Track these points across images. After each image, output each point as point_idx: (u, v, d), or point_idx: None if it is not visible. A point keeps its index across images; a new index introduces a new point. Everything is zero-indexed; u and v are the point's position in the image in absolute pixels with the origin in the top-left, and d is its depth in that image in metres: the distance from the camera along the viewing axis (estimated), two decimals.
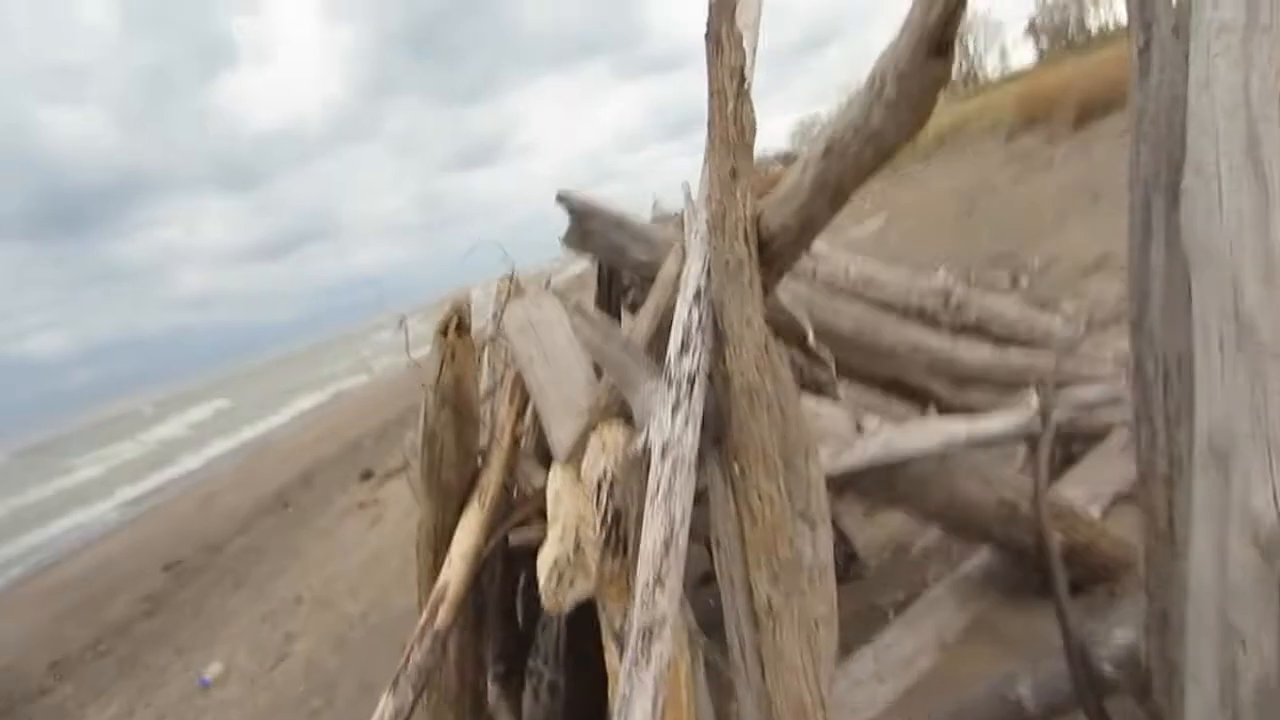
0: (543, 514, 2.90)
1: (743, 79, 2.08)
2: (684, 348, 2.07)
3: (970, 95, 44.09)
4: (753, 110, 2.09)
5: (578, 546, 2.18)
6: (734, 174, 2.05)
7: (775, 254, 2.10)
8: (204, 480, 20.26)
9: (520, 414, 2.95)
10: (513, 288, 3.10)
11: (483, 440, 2.96)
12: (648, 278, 2.90)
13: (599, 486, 2.26)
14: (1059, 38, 58.09)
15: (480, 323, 2.98)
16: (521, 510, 2.87)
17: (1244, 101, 1.39)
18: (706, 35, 2.16)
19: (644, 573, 1.88)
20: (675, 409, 2.02)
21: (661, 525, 1.90)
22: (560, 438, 2.61)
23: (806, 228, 2.05)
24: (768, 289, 2.17)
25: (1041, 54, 60.96)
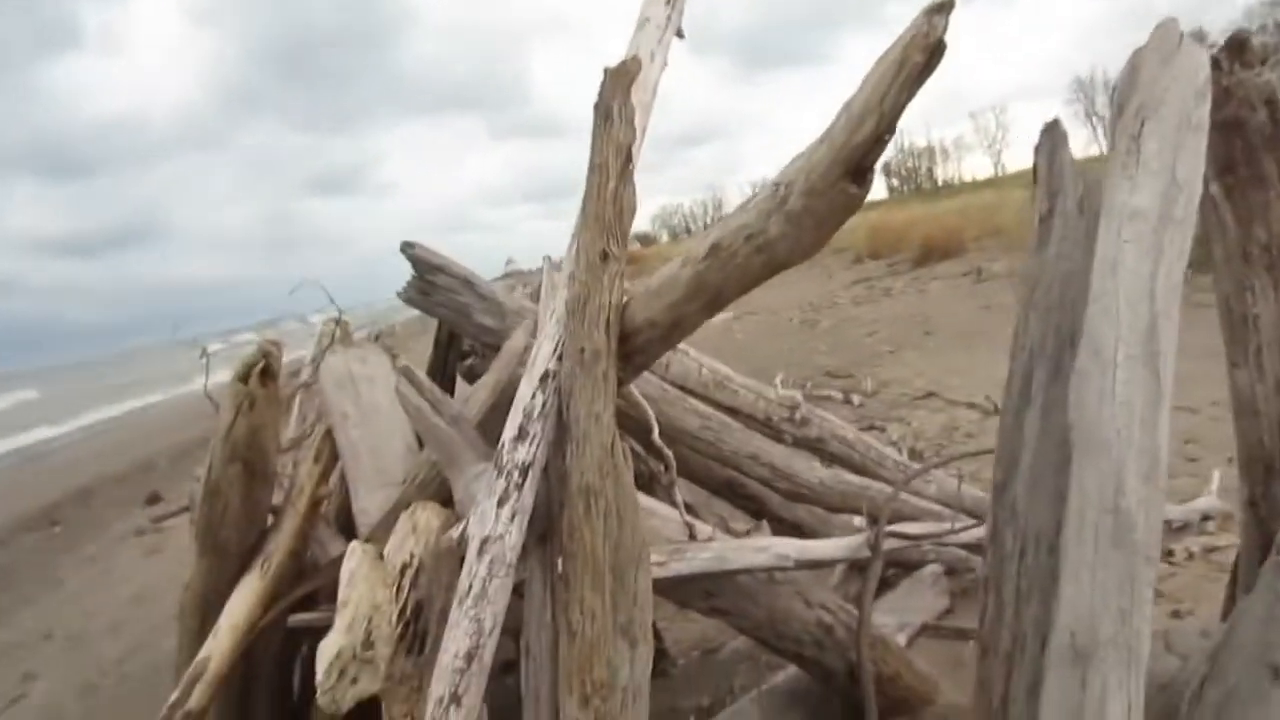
0: (334, 591, 2.59)
1: (629, 158, 1.95)
2: (521, 435, 1.87)
3: None
4: (634, 193, 1.96)
5: (368, 639, 1.90)
6: (604, 257, 1.89)
7: (636, 349, 1.94)
8: None
9: (325, 475, 2.62)
10: (338, 332, 2.80)
11: (277, 498, 2.61)
12: (491, 346, 2.68)
13: (403, 573, 1.99)
14: (909, 180, 63.21)
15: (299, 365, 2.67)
16: (310, 582, 2.53)
17: (1149, 292, 1.36)
18: (597, 106, 2.02)
19: (439, 688, 1.63)
20: (502, 501, 1.81)
21: (467, 635, 1.67)
22: (367, 507, 2.32)
23: (675, 327, 1.90)
24: (621, 383, 2.00)
25: (892, 191, 66.11)
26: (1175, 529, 4.15)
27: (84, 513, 12.35)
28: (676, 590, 2.76)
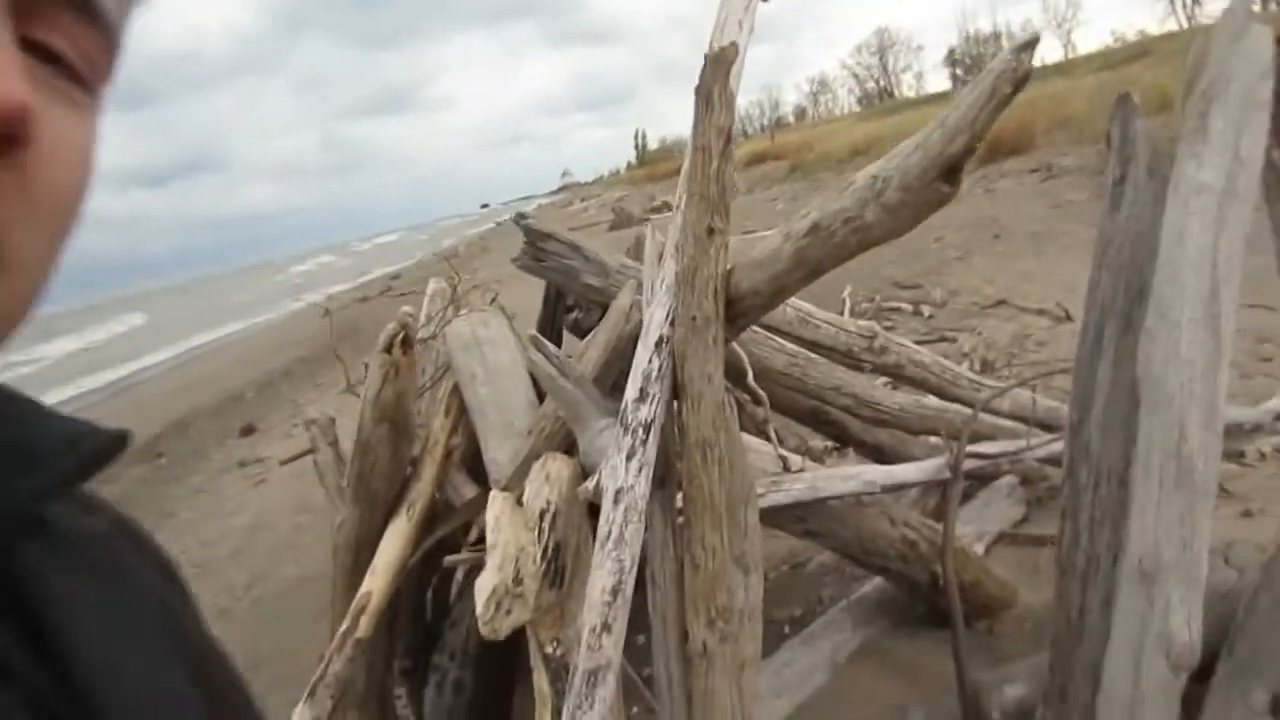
0: (467, 528, 2.93)
1: (728, 139, 2.14)
2: (642, 396, 2.13)
3: (884, 113, 45.57)
4: (733, 170, 2.16)
5: (517, 576, 2.21)
6: (710, 232, 2.11)
7: (740, 314, 2.17)
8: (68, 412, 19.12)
9: (455, 428, 2.94)
10: (453, 296, 3.08)
11: (414, 449, 2.95)
12: (597, 303, 2.94)
13: (541, 517, 2.30)
14: (976, 69, 60.57)
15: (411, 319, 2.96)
16: (448, 522, 2.87)
17: (1212, 261, 1.53)
18: (698, 90, 2.20)
19: (591, 618, 1.94)
20: (630, 456, 2.08)
21: (610, 573, 1.96)
22: (498, 458, 2.63)
23: (777, 295, 2.12)
24: (726, 343, 2.24)
25: (956, 81, 63.54)
26: (1247, 430, 4.26)
27: (184, 444, 12.97)
28: (772, 516, 3.03)
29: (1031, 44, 1.59)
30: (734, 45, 2.21)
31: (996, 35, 63.00)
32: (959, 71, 64.30)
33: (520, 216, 3.03)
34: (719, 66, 2.15)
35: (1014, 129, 18.58)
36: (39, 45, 0.38)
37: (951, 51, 66.65)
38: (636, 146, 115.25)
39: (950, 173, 1.71)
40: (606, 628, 1.90)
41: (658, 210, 30.75)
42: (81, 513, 0.50)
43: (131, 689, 0.47)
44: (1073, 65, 41.03)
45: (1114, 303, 1.80)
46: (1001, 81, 1.60)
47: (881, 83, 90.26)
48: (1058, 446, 3.13)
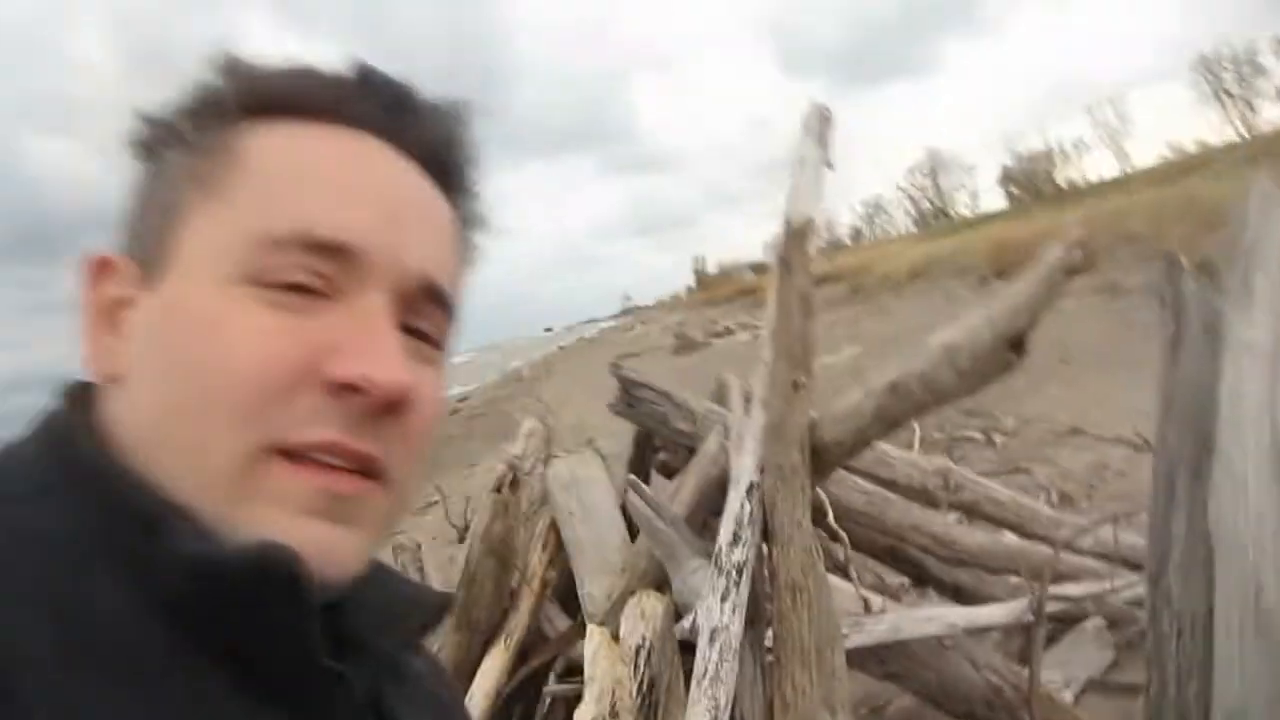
0: (553, 658, 3.05)
1: (808, 301, 2.34)
2: (735, 539, 2.27)
3: (941, 233, 46.09)
4: (814, 327, 2.35)
5: (613, 708, 2.32)
6: (795, 386, 2.29)
7: (825, 462, 2.33)
8: None
9: (552, 561, 3.11)
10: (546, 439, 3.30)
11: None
12: (685, 446, 3.12)
13: (637, 653, 2.42)
14: (1029, 188, 61.10)
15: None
16: (542, 653, 3.00)
17: (1270, 415, 1.65)
18: (779, 258, 2.43)
19: None
20: (724, 597, 2.20)
21: (706, 709, 2.06)
22: (594, 593, 2.77)
23: (858, 445, 2.28)
24: (812, 488, 2.38)
25: (1011, 199, 64.04)
26: None
27: None
28: (853, 658, 3.07)
29: (1083, 242, 1.78)
30: (811, 220, 2.45)
31: (1049, 153, 63.61)
32: (1013, 190, 64.87)
33: (615, 366, 3.27)
34: (797, 238, 2.38)
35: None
36: (411, 328, 0.57)
37: (1005, 170, 67.48)
38: (695, 271, 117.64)
39: (1016, 344, 1.87)
40: None
41: (719, 335, 31.20)
42: (412, 654, 0.67)
43: None
44: (1130, 180, 41.15)
45: (1181, 454, 1.91)
46: (1057, 271, 1.79)
47: (936, 203, 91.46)
48: (1144, 588, 3.14)
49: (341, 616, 0.57)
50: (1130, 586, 3.47)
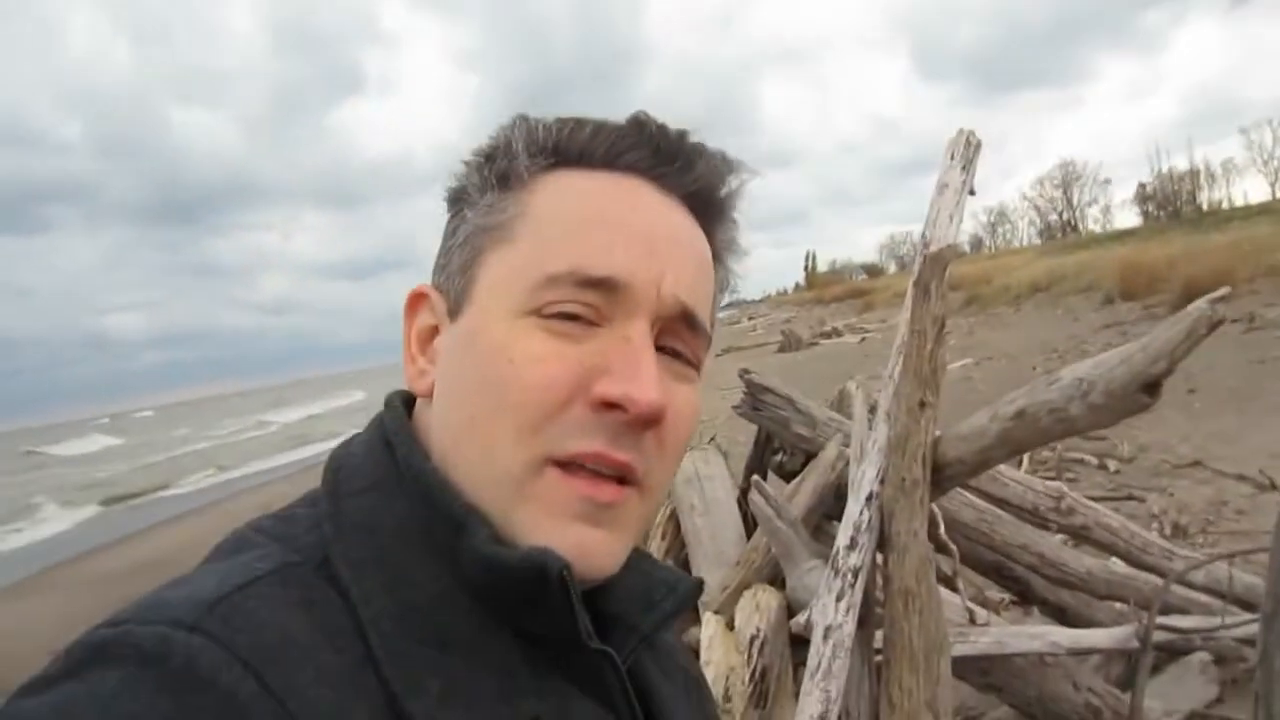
0: None
1: (942, 326, 2.45)
2: (852, 544, 2.41)
3: (1068, 248, 44.35)
4: (945, 352, 2.46)
5: (726, 694, 2.49)
6: (922, 405, 2.41)
7: (945, 479, 2.44)
8: (266, 485, 20.22)
9: (669, 550, 3.29)
10: None
11: None
12: (805, 450, 3.26)
13: (751, 643, 2.58)
14: (1168, 207, 57.88)
15: None
16: None
17: None
18: (917, 283, 2.54)
19: None
20: (839, 597, 2.35)
21: (818, 701, 2.22)
22: (709, 583, 2.94)
23: (980, 466, 2.39)
24: (930, 502, 2.49)
25: (1147, 217, 60.80)
26: None
27: None
28: (956, 666, 3.16)
29: (1224, 298, 1.85)
30: (952, 247, 2.55)
31: (1194, 173, 60.03)
32: (1150, 209, 61.53)
33: (744, 371, 3.43)
34: (937, 264, 2.49)
35: (1213, 274, 17.71)
36: (668, 349, 0.66)
37: (1142, 187, 64.07)
38: (806, 268, 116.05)
39: (1150, 387, 1.95)
40: None
41: (826, 335, 30.91)
42: (666, 631, 0.79)
43: None
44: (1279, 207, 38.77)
45: None
46: (1199, 325, 1.86)
47: (1065, 216, 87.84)
48: (1255, 628, 3.13)
49: (610, 598, 0.70)
50: (1242, 625, 3.44)
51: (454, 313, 0.68)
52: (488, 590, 0.59)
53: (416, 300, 0.73)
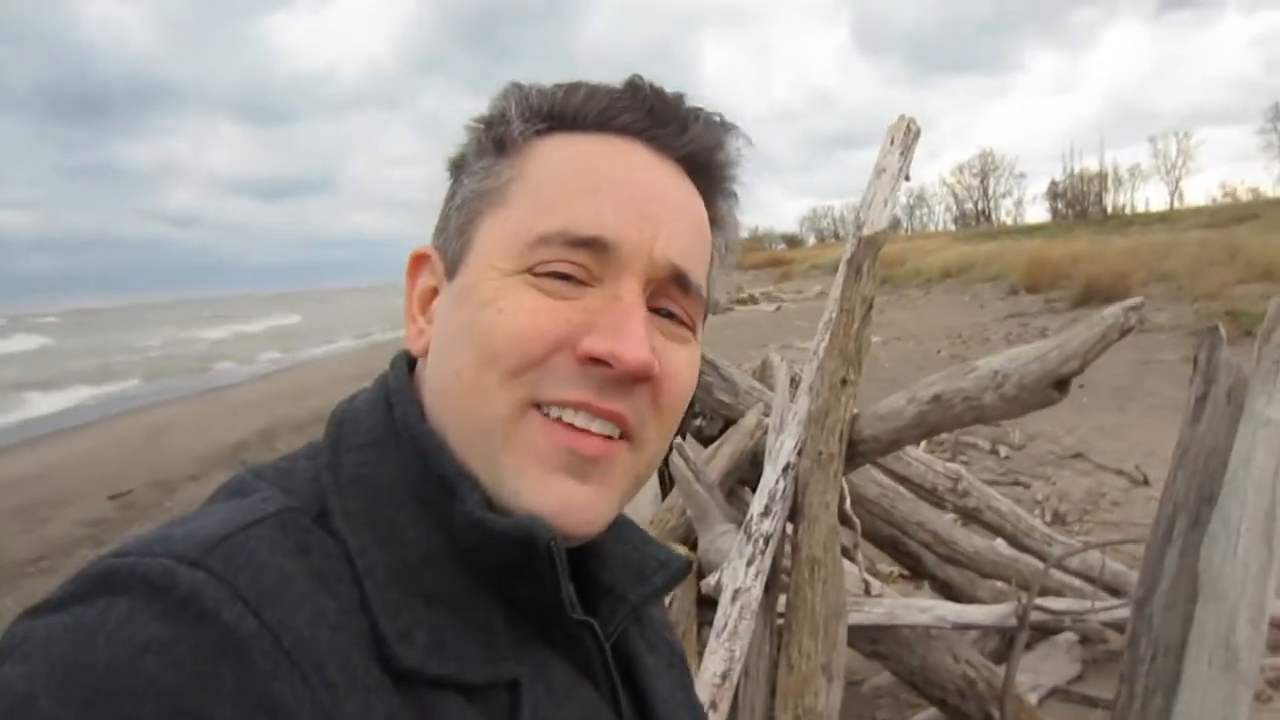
0: None
1: (870, 306, 2.53)
2: (766, 511, 2.50)
3: (981, 237, 45.86)
4: (870, 332, 2.55)
5: None
6: (844, 382, 2.49)
7: (859, 454, 2.54)
8: (154, 408, 19.78)
9: None
10: None
11: None
12: (725, 416, 3.33)
13: None
14: (1076, 206, 60.30)
15: None
16: None
17: (1272, 484, 1.85)
18: (850, 262, 2.61)
19: (700, 695, 2.27)
20: (750, 562, 2.44)
21: (722, 659, 2.31)
22: None
23: (894, 444, 2.49)
24: (843, 476, 2.60)
25: (1056, 214, 63.19)
26: None
27: (269, 454, 13.46)
28: (847, 635, 3.32)
29: (1138, 306, 1.98)
30: (885, 232, 2.62)
31: (1102, 175, 62.54)
32: (1060, 206, 63.96)
33: None
34: (871, 246, 2.56)
35: (1111, 275, 18.62)
36: (662, 310, 0.66)
37: (1054, 184, 66.56)
38: None
39: (1061, 384, 2.08)
40: (714, 706, 2.23)
41: (742, 302, 31.33)
42: (653, 605, 0.80)
43: None
44: (1178, 216, 40.80)
45: (1186, 501, 2.12)
46: (1112, 332, 1.99)
47: (980, 205, 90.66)
48: (1121, 613, 3.36)
49: (603, 568, 0.71)
50: (1109, 610, 3.70)
51: (450, 273, 0.68)
52: (476, 554, 0.60)
53: (418, 261, 0.74)
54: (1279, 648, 4.44)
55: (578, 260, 0.62)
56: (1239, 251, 18.43)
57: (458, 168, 0.72)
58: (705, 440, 3.57)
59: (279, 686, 0.47)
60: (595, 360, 0.61)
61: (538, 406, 0.62)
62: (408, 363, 0.72)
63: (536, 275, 0.62)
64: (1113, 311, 2.03)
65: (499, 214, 0.66)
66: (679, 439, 3.06)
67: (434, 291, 0.71)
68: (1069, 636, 4.23)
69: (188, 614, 0.47)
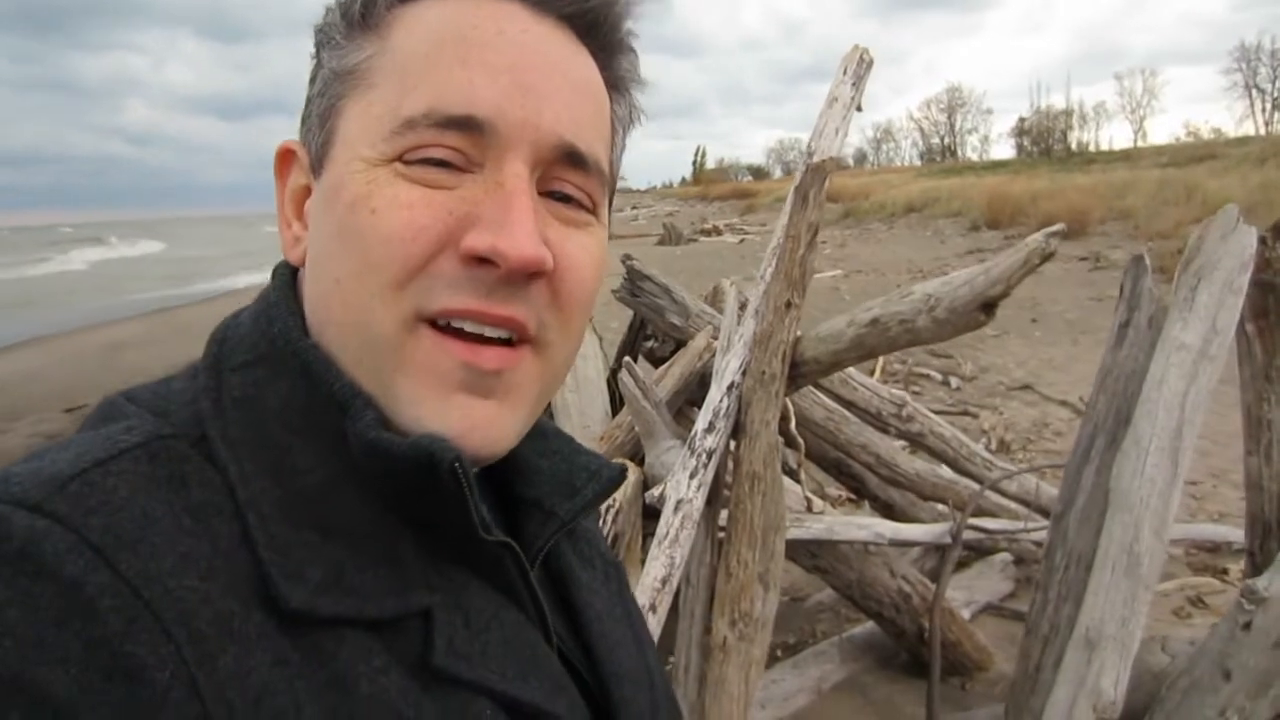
0: None
1: (815, 232, 2.59)
2: (710, 427, 2.58)
3: (946, 173, 45.97)
4: (815, 259, 2.61)
5: None
6: (788, 305, 2.57)
7: (800, 375, 2.63)
8: (110, 324, 19.45)
9: None
10: None
11: None
12: (675, 339, 3.41)
13: (605, 511, 2.75)
14: (1040, 142, 60.62)
15: None
16: None
17: (1181, 405, 1.96)
18: (797, 189, 2.66)
19: (641, 600, 2.38)
20: (693, 475, 2.53)
21: (663, 565, 2.41)
22: None
23: (834, 366, 2.58)
24: (785, 396, 2.69)
25: (1020, 151, 63.50)
26: (1235, 550, 4.60)
27: None
28: (789, 549, 3.45)
29: (1060, 233, 2.06)
30: (833, 160, 2.67)
31: (1068, 112, 62.77)
32: (1025, 143, 64.26)
33: (626, 257, 3.52)
34: (818, 174, 2.61)
35: (1070, 211, 18.84)
36: (554, 192, 0.58)
37: (1021, 121, 66.75)
38: (695, 164, 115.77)
39: (987, 307, 2.16)
40: (653, 609, 2.34)
41: (706, 233, 31.26)
42: (585, 517, 0.71)
43: (626, 663, 0.68)
44: (1139, 154, 41.12)
45: (1105, 421, 2.23)
46: (1034, 255, 2.07)
47: (946, 140, 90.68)
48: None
49: (527, 482, 0.66)
50: (1041, 530, 3.87)
51: (317, 169, 0.60)
52: (375, 478, 0.54)
53: (285, 158, 0.65)
54: (1203, 569, 4.73)
55: (451, 144, 0.54)
56: (1195, 191, 18.73)
57: (320, 47, 0.62)
58: (657, 361, 3.65)
59: (134, 648, 0.41)
60: (481, 259, 0.53)
61: (428, 320, 0.55)
62: (290, 272, 0.63)
63: (408, 164, 0.54)
64: (1035, 238, 2.10)
65: (363, 96, 0.57)
66: (628, 359, 3.14)
67: (307, 191, 0.63)
68: (1004, 557, 4.43)
69: (21, 570, 0.41)
